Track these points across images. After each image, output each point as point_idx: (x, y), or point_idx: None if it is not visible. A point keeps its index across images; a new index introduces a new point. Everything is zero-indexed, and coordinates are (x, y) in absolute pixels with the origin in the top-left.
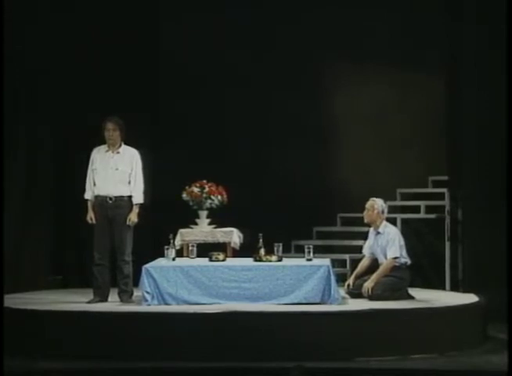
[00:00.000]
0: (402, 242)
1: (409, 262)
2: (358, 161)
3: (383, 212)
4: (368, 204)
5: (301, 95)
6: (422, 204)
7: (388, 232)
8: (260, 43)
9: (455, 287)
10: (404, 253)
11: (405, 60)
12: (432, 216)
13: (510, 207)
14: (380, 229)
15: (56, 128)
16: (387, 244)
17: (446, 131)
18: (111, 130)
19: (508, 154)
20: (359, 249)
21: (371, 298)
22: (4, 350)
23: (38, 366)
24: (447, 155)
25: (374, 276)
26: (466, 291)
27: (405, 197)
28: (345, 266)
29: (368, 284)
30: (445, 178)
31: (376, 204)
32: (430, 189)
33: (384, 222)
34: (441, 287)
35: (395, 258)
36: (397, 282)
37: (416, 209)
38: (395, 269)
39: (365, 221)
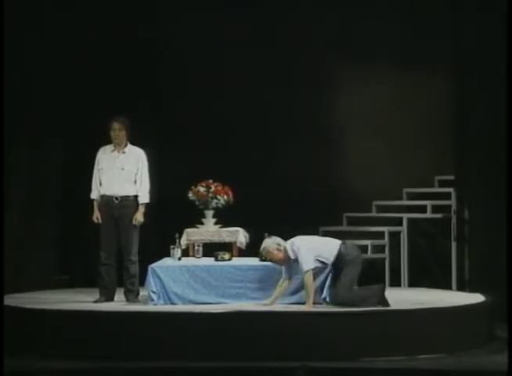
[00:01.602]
0: (306, 249)
1: (328, 260)
2: (365, 161)
3: (279, 244)
4: (265, 254)
5: (306, 94)
6: (428, 203)
7: (296, 252)
8: (261, 43)
9: (461, 287)
10: (317, 255)
11: (412, 60)
12: (438, 216)
13: None
14: (291, 261)
15: (62, 127)
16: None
17: (453, 130)
18: (117, 130)
19: None
20: (365, 249)
21: (340, 304)
22: (11, 350)
23: (45, 365)
24: (453, 155)
25: (308, 299)
26: (472, 290)
27: (411, 196)
28: None
29: (307, 308)
30: (452, 177)
31: (267, 247)
32: (436, 189)
33: (292, 245)
34: (448, 287)
35: (307, 270)
36: (349, 276)
37: (423, 209)
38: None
39: (281, 264)
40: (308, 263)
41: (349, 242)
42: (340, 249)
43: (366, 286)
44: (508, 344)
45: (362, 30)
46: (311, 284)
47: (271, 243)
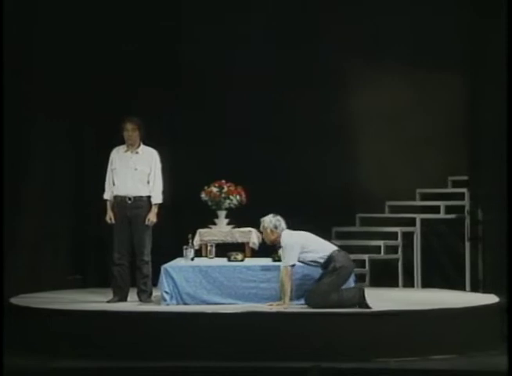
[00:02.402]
0: (292, 245)
1: (322, 259)
2: (378, 161)
3: (276, 227)
4: (260, 227)
5: (319, 94)
6: (442, 204)
7: (283, 242)
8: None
9: (475, 288)
10: (304, 252)
11: (426, 59)
12: (452, 216)
13: None
14: (281, 244)
15: (75, 127)
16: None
17: (466, 130)
18: (130, 130)
19: None
20: (378, 249)
21: (313, 306)
22: (24, 349)
23: (61, 365)
24: (467, 155)
25: (283, 297)
26: (486, 291)
27: (424, 197)
28: (364, 267)
29: (277, 306)
30: (465, 178)
31: (265, 222)
32: (449, 189)
33: (282, 236)
34: (461, 287)
35: (289, 265)
36: (330, 281)
37: (436, 209)
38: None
39: (268, 243)
40: (287, 259)
41: (345, 252)
42: (332, 253)
43: (346, 288)
44: (508, 344)
45: (381, 29)
46: (286, 281)
47: (269, 221)
